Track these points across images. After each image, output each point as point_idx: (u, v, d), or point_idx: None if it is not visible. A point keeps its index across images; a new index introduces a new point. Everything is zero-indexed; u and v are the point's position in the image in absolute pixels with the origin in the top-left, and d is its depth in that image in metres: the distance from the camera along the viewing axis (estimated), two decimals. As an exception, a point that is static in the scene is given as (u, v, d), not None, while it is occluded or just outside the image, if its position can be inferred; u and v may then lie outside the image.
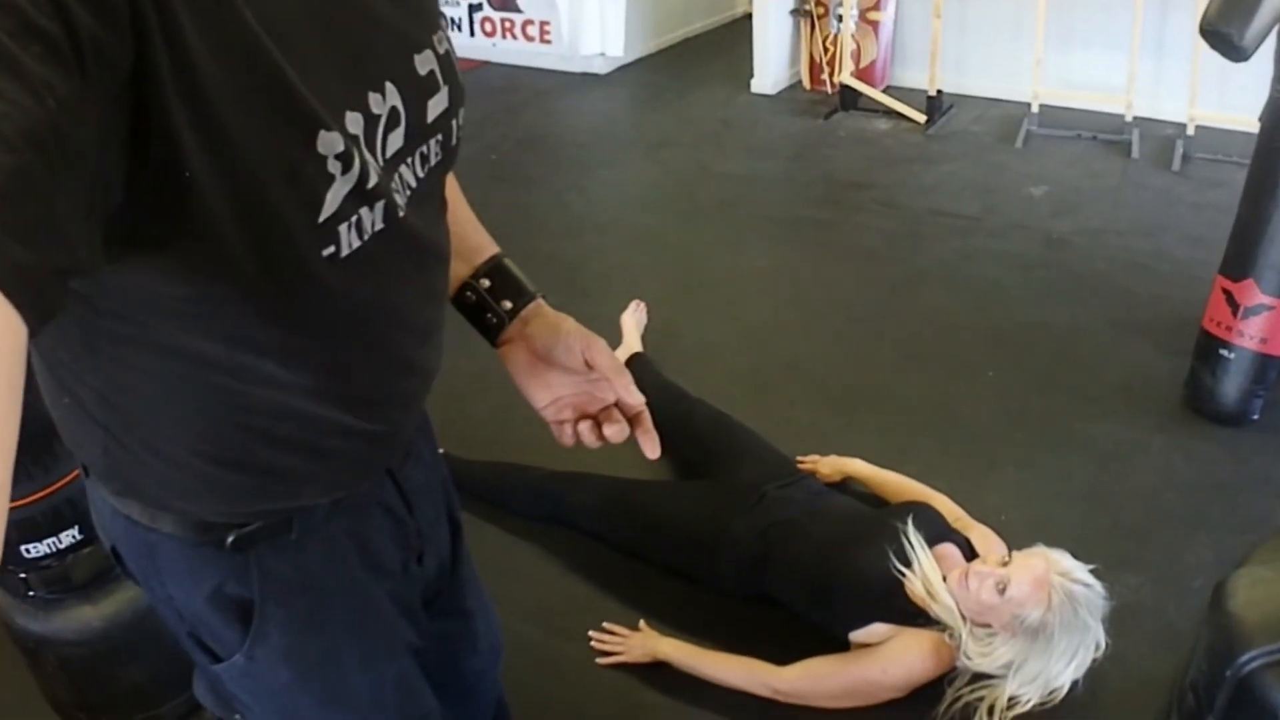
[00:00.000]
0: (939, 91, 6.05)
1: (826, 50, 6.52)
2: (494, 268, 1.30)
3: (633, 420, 1.23)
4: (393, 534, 1.27)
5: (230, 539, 1.12)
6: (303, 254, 0.88)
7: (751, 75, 6.70)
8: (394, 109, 0.96)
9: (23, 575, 2.18)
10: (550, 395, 1.26)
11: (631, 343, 3.68)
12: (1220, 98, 5.20)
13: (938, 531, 2.52)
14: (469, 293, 1.28)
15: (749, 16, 6.94)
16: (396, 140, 0.98)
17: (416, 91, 1.00)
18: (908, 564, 2.41)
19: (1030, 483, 3.18)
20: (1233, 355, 3.32)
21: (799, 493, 2.78)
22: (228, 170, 0.80)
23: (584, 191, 5.45)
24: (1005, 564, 2.36)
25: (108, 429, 1.04)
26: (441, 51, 1.04)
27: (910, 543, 2.42)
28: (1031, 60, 5.80)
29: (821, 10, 6.48)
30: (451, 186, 1.23)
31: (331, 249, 0.90)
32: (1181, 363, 3.51)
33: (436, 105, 1.04)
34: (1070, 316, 4.05)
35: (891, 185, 5.34)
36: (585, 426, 1.23)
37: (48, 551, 2.16)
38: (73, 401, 1.04)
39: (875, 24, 6.36)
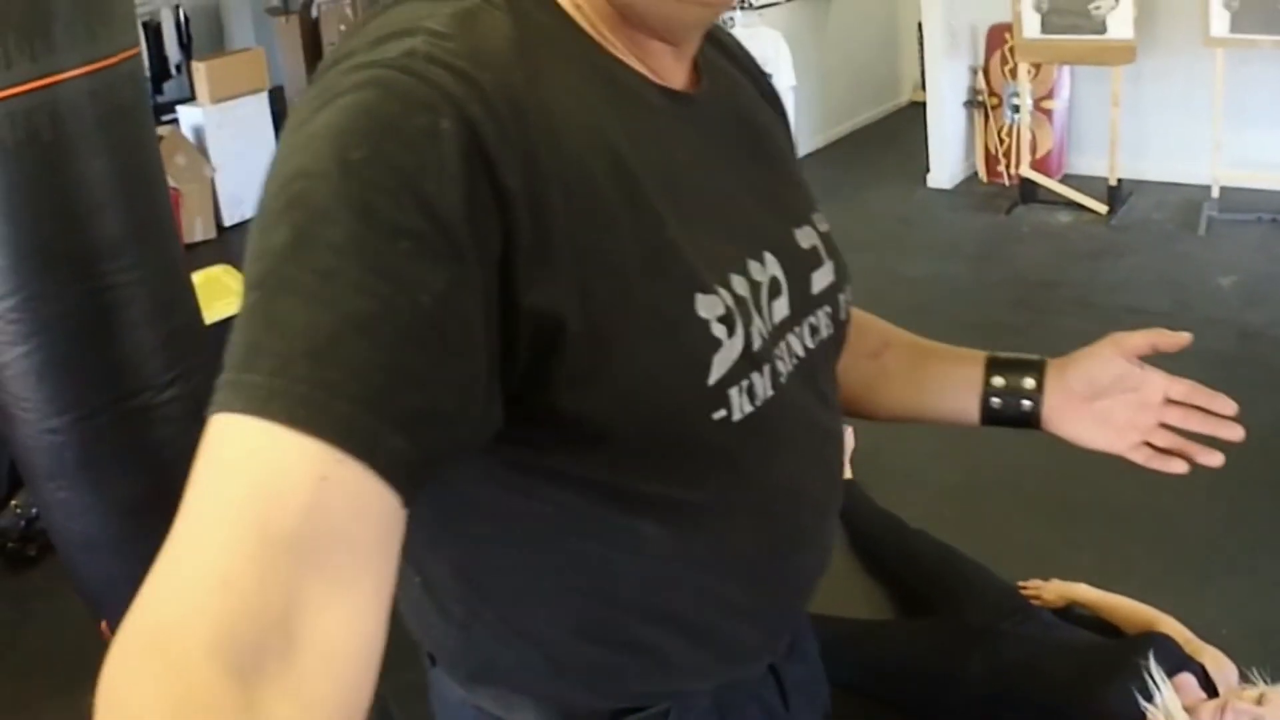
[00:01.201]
0: (1119, 180, 6.01)
1: (1002, 141, 6.56)
2: (993, 366, 1.29)
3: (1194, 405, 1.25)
4: None
5: None
6: (690, 417, 0.87)
7: (926, 169, 6.70)
8: (774, 278, 0.96)
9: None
10: (1112, 429, 1.27)
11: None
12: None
13: (1176, 662, 2.58)
14: (993, 401, 1.27)
15: (915, 104, 7.00)
16: (782, 308, 0.98)
17: (798, 263, 1.01)
18: (1149, 698, 2.48)
19: (1247, 591, 3.21)
20: None
21: (1033, 629, 2.85)
22: (607, 334, 0.80)
23: (773, 300, 5.51)
24: (1259, 701, 2.38)
25: (465, 605, 0.98)
26: (823, 230, 1.08)
27: (1153, 679, 2.48)
28: (1209, 142, 5.76)
29: (995, 100, 6.53)
30: (898, 334, 1.36)
31: (723, 413, 0.87)
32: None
33: (822, 278, 1.05)
34: (1274, 413, 4.05)
35: (1081, 282, 5.33)
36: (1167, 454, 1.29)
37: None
38: (423, 581, 0.99)
39: (1049, 112, 6.39)
